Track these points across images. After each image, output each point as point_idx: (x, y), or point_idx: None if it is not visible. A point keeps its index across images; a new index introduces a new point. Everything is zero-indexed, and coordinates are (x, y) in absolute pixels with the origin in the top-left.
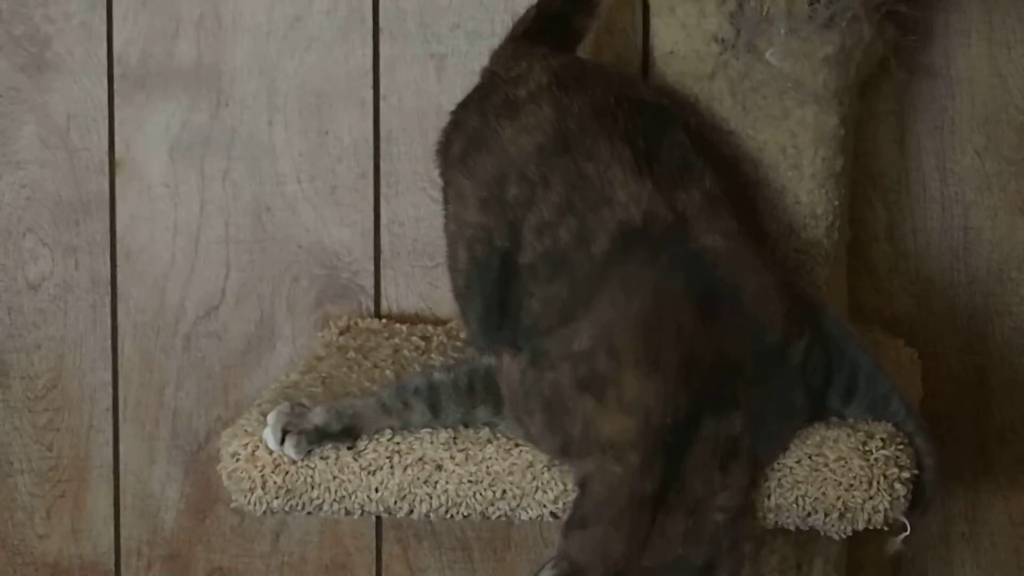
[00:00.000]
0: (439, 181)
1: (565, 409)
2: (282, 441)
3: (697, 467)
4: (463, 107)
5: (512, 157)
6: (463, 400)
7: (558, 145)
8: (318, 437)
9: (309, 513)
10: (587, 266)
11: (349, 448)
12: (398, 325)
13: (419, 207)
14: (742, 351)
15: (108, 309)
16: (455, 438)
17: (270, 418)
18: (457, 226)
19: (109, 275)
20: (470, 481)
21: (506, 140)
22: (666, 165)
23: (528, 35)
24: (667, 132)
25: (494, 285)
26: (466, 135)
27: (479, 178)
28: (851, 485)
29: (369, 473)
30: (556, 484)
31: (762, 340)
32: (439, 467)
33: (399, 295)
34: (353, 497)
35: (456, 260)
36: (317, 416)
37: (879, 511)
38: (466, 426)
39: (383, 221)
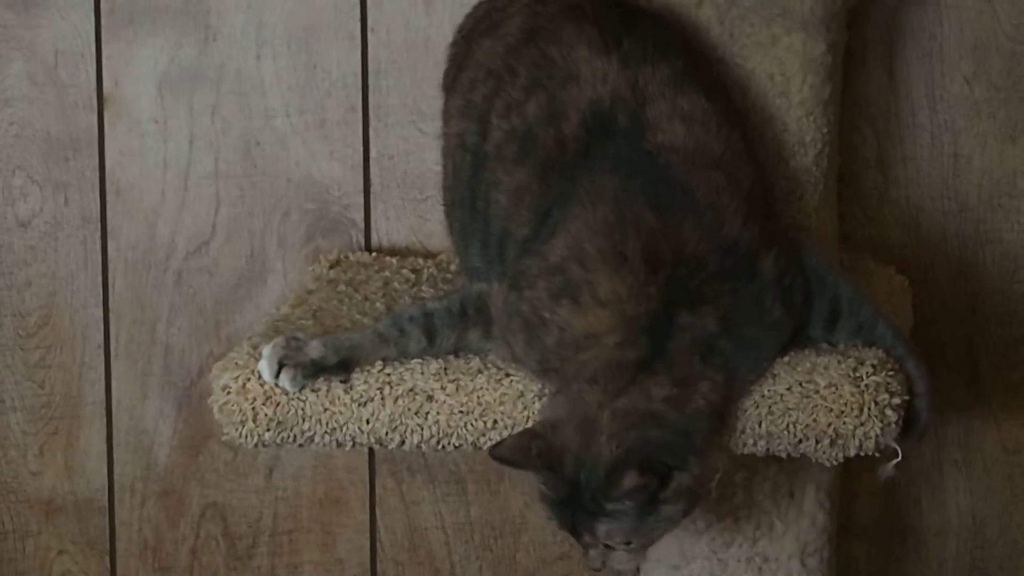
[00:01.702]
0: (429, 113)
1: (542, 321)
2: (277, 374)
3: (680, 350)
4: (461, 40)
5: (481, 61)
6: (456, 324)
7: (524, 40)
8: (314, 371)
9: (300, 445)
10: (555, 150)
11: (343, 382)
12: (388, 258)
13: (409, 140)
14: (702, 244)
15: (98, 246)
16: (446, 368)
17: (266, 351)
18: (444, 142)
19: (99, 211)
20: (461, 411)
21: (481, 52)
22: (638, 41)
23: None
24: (640, 19)
25: (466, 183)
26: (456, 62)
27: (459, 92)
28: (842, 411)
29: (360, 404)
30: None
31: (720, 232)
32: (430, 398)
33: (389, 229)
34: (344, 429)
35: (445, 177)
36: (313, 350)
37: (870, 437)
38: (458, 354)
39: (372, 154)
